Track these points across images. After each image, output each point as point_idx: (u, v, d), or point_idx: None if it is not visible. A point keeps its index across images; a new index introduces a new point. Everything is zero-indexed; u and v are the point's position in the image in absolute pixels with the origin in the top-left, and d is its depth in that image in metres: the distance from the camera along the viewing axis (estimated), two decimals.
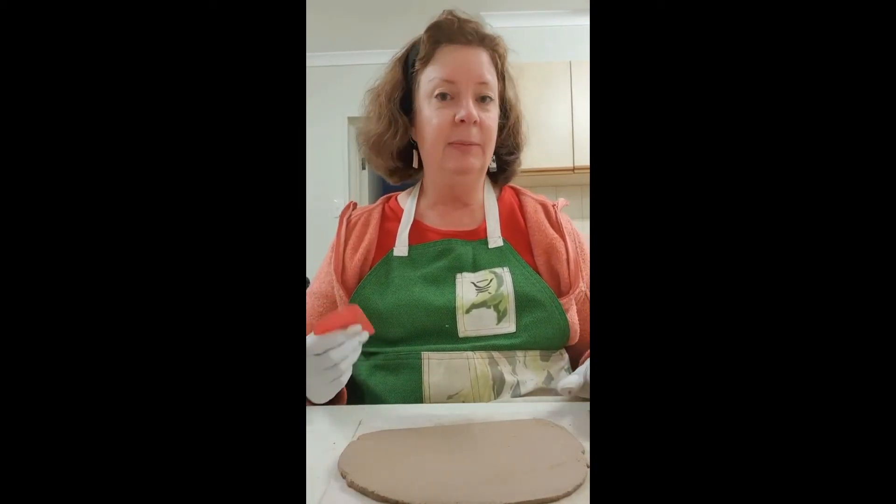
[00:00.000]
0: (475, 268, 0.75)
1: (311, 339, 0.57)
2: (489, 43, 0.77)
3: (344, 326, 0.56)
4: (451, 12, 0.75)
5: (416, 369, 0.68)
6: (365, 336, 0.59)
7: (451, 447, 0.47)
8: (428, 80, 0.75)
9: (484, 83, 0.74)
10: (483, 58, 0.76)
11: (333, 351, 0.57)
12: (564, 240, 0.77)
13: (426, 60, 0.76)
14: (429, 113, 0.75)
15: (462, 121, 0.72)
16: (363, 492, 0.39)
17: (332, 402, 0.65)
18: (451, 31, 0.75)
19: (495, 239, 0.77)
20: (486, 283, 0.72)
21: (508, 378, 0.68)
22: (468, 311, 0.70)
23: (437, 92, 0.74)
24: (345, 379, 0.60)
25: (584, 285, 0.76)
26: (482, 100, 0.75)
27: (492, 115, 0.76)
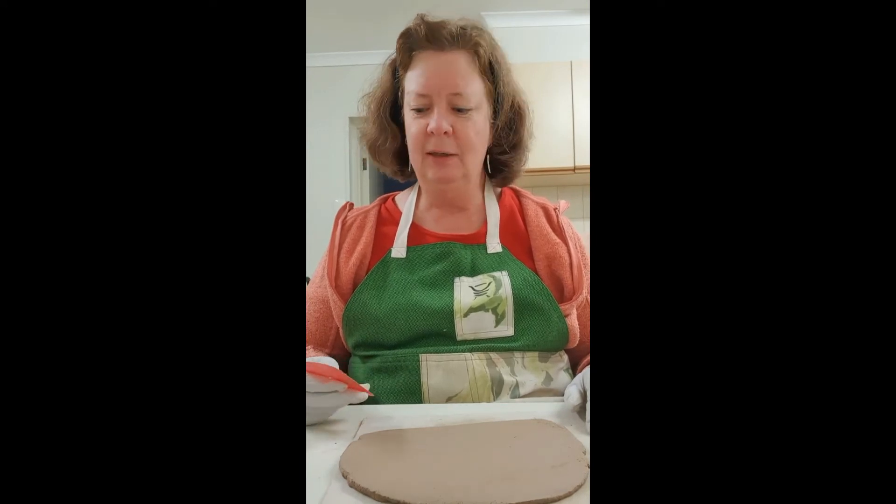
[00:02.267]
0: (474, 272, 0.74)
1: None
2: (466, 43, 0.72)
3: (321, 378, 0.53)
4: (422, 17, 0.72)
5: (415, 371, 0.68)
6: (350, 399, 0.55)
7: (451, 447, 0.47)
8: (407, 89, 0.74)
9: (457, 93, 0.71)
10: (459, 63, 0.72)
11: (309, 397, 0.53)
12: (567, 245, 0.76)
13: (405, 67, 0.75)
14: (409, 122, 0.75)
15: (432, 132, 0.70)
16: (364, 492, 0.39)
17: None
18: (419, 38, 0.72)
19: (494, 245, 0.76)
20: (485, 286, 0.71)
21: (507, 379, 0.68)
22: (466, 314, 0.69)
23: (412, 105, 0.73)
24: (310, 421, 0.56)
25: (585, 290, 0.75)
26: (459, 110, 0.72)
27: (470, 124, 0.72)
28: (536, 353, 0.71)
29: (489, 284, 0.71)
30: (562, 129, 2.83)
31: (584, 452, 0.45)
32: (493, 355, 0.69)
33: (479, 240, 0.77)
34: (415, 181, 0.85)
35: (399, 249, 0.76)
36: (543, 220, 0.79)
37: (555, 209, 0.81)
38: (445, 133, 0.71)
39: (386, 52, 0.81)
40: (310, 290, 0.81)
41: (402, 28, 0.75)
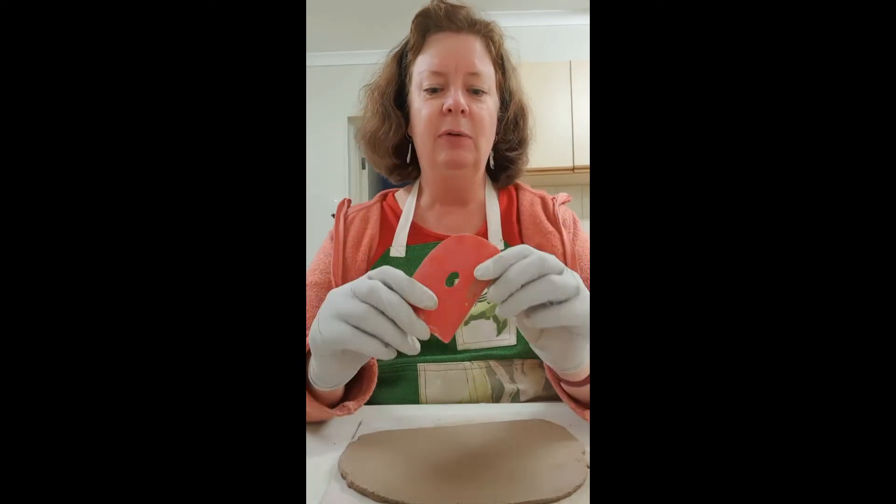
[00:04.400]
0: None
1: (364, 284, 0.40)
2: (482, 29, 0.73)
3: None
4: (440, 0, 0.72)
5: (413, 381, 0.66)
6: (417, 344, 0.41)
7: (451, 448, 0.47)
8: (418, 71, 0.72)
9: (474, 73, 0.70)
10: (475, 45, 0.72)
11: (383, 291, 0.39)
12: (560, 233, 0.74)
13: (416, 50, 0.73)
14: (419, 105, 0.72)
15: (449, 110, 0.69)
16: (363, 492, 0.39)
17: (351, 392, 0.55)
18: (438, 18, 0.71)
19: (496, 242, 0.73)
20: (486, 292, 0.69)
21: (507, 387, 0.66)
22: (467, 322, 0.67)
23: (425, 85, 0.71)
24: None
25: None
26: (474, 92, 0.71)
27: (485, 106, 0.71)
28: (536, 360, 0.69)
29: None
30: (561, 128, 2.83)
31: (584, 452, 0.45)
32: (493, 363, 0.67)
33: None
34: (410, 182, 0.83)
35: (398, 248, 0.74)
36: (539, 209, 0.77)
37: (553, 199, 0.79)
38: (462, 112, 0.69)
39: (386, 51, 0.81)
40: (311, 276, 0.77)
41: (401, 28, 0.75)
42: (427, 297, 0.40)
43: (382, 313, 0.40)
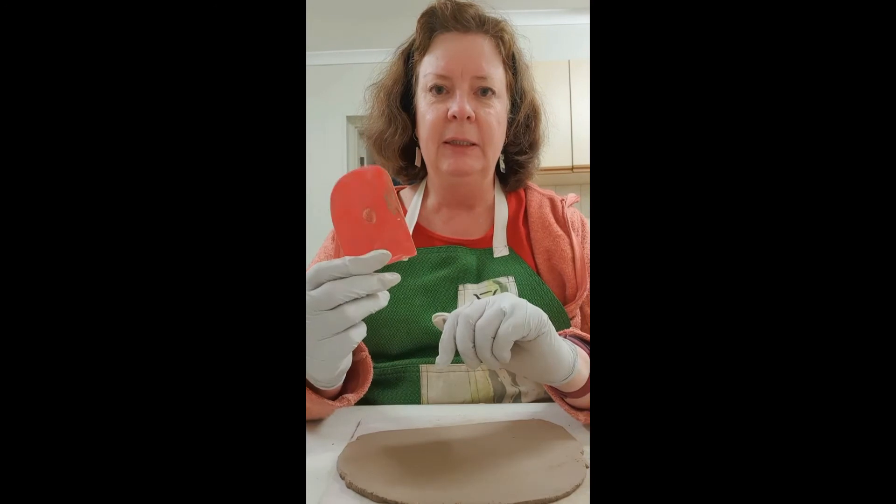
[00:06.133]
0: (479, 278, 0.70)
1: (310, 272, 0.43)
2: (491, 28, 0.70)
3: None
4: None
5: (415, 382, 0.65)
6: (395, 277, 0.43)
7: (449, 447, 0.47)
8: (424, 73, 0.70)
9: (482, 77, 0.67)
10: (483, 46, 0.69)
11: (334, 285, 0.41)
12: (570, 237, 0.71)
13: (422, 51, 0.71)
14: (423, 108, 0.70)
15: (454, 116, 0.66)
16: (362, 493, 0.39)
17: (350, 385, 0.57)
18: (444, 18, 0.68)
19: (500, 248, 0.71)
20: (489, 294, 0.67)
21: (509, 389, 0.65)
22: None
23: (430, 86, 0.68)
24: (356, 336, 0.44)
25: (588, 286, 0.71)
26: (482, 93, 0.68)
27: (493, 111, 0.68)
28: None
29: (494, 292, 0.67)
30: (560, 128, 2.83)
31: (582, 452, 0.45)
32: None
33: (486, 244, 0.73)
34: (418, 183, 0.82)
35: None
36: (547, 211, 0.75)
37: (562, 201, 0.77)
38: (468, 118, 0.66)
39: (386, 50, 0.79)
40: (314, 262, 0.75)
41: (401, 27, 0.74)
42: (376, 261, 0.42)
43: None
